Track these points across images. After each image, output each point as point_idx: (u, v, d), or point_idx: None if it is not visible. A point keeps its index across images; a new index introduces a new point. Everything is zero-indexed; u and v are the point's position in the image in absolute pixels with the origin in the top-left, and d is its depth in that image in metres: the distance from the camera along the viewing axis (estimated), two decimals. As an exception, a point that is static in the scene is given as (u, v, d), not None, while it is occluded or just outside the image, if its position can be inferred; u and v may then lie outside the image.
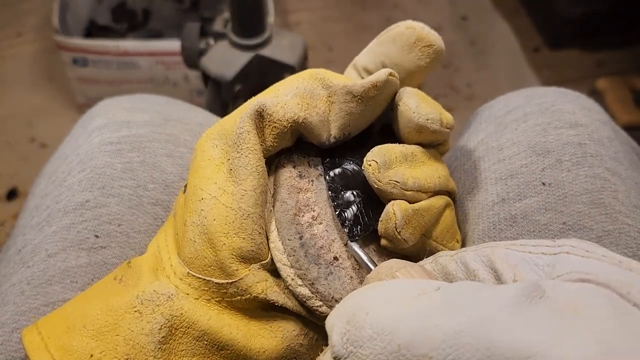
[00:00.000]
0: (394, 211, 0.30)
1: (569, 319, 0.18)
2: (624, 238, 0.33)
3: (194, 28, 0.77)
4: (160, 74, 1.16)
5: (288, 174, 0.32)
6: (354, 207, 0.32)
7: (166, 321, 0.28)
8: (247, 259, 0.29)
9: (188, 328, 0.28)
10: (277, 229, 0.30)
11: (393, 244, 0.31)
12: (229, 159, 0.29)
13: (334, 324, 0.22)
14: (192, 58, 0.77)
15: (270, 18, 1.08)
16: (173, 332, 0.28)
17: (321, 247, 0.31)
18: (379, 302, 0.21)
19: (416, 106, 0.32)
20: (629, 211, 0.34)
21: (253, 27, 0.72)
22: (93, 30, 1.27)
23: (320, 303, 0.30)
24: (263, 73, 0.74)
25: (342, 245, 0.31)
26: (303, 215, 0.31)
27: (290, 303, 0.30)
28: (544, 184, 0.35)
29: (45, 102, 1.24)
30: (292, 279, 0.30)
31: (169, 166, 0.39)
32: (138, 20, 1.29)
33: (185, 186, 0.31)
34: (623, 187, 0.35)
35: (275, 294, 0.30)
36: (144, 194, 0.37)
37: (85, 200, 0.36)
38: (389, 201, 0.31)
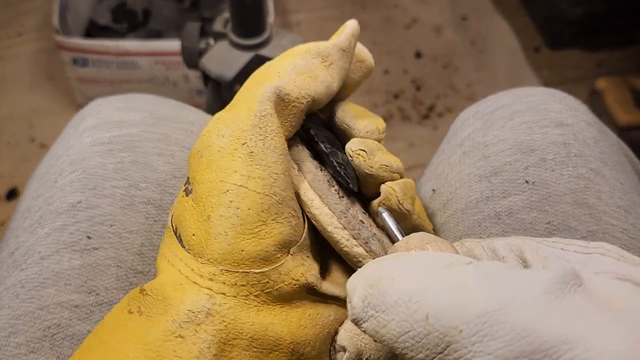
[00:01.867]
0: (392, 187, 0.32)
1: (608, 312, 0.18)
2: (609, 238, 0.33)
3: (194, 28, 0.77)
4: (160, 74, 1.16)
5: (302, 151, 0.32)
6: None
7: (213, 337, 0.26)
8: (286, 243, 0.29)
9: (235, 339, 0.27)
10: (319, 197, 0.30)
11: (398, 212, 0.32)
12: (244, 143, 0.28)
13: (355, 287, 0.22)
14: (192, 58, 0.77)
15: (270, 18, 1.08)
16: (222, 347, 0.26)
17: (355, 213, 0.32)
18: (407, 270, 0.21)
19: (354, 123, 0.33)
20: (613, 211, 0.34)
21: (253, 27, 0.72)
22: (93, 30, 1.27)
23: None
24: (263, 73, 0.74)
25: (363, 213, 0.33)
26: (330, 185, 0.32)
27: (326, 285, 0.30)
28: (527, 182, 0.36)
29: (45, 102, 1.24)
30: (347, 239, 0.30)
31: (161, 165, 0.39)
32: (138, 20, 1.29)
33: (186, 189, 0.30)
34: (607, 188, 0.35)
35: (313, 277, 0.30)
36: (136, 193, 0.37)
37: (77, 201, 0.36)
38: (377, 186, 0.32)
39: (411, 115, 1.26)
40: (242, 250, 0.27)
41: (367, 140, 0.32)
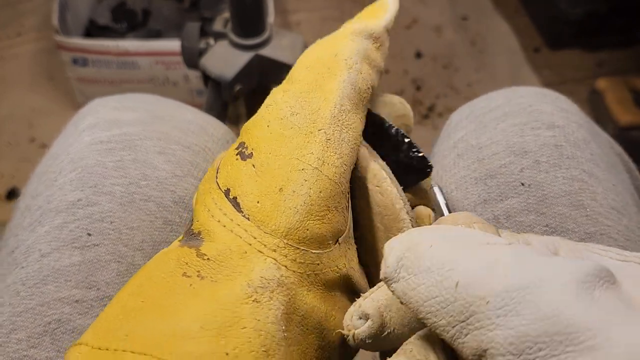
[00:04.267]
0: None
1: (638, 312, 0.18)
2: (606, 239, 0.33)
3: (194, 28, 0.77)
4: (160, 74, 1.16)
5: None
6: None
7: (283, 307, 0.26)
8: (338, 232, 0.29)
9: (293, 313, 0.27)
10: (390, 178, 0.32)
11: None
12: (321, 130, 0.29)
13: (392, 248, 0.22)
14: (192, 58, 0.77)
15: (270, 18, 1.08)
16: (287, 318, 0.26)
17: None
18: (446, 240, 0.21)
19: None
20: (608, 212, 0.35)
21: (253, 27, 0.72)
22: (93, 30, 1.27)
23: None
24: (263, 73, 0.74)
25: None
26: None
27: (362, 281, 0.31)
28: (523, 184, 0.36)
29: (45, 102, 1.24)
30: (410, 221, 0.32)
31: (161, 163, 0.39)
32: (138, 20, 1.29)
33: (241, 153, 0.29)
34: (600, 189, 0.35)
35: (352, 270, 0.30)
36: (136, 190, 0.37)
37: (77, 199, 0.36)
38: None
39: (411, 115, 1.26)
40: (307, 230, 0.28)
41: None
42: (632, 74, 1.25)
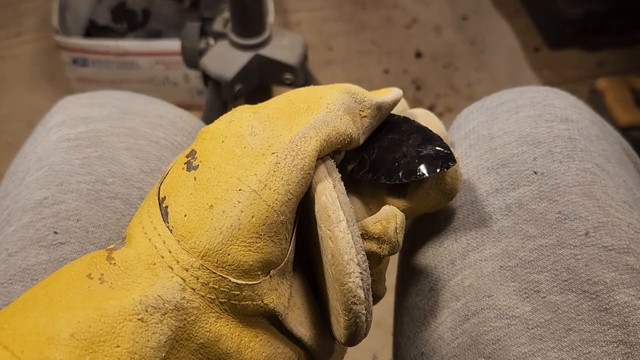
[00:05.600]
0: (395, 212, 0.30)
1: None
2: (617, 231, 0.33)
3: (194, 28, 0.77)
4: (160, 74, 1.16)
5: (337, 175, 0.30)
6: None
7: (172, 333, 0.25)
8: (271, 263, 0.27)
9: (187, 340, 0.25)
10: (347, 221, 0.28)
11: (381, 247, 0.30)
12: (274, 153, 0.27)
13: None
14: (192, 58, 0.77)
15: (270, 18, 1.08)
16: (174, 345, 0.25)
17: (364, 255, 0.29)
18: None
19: None
20: (619, 206, 0.34)
21: (253, 27, 0.72)
22: (93, 30, 1.27)
23: (365, 311, 0.28)
24: (263, 73, 0.74)
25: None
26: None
27: (290, 319, 0.29)
28: (535, 172, 0.35)
29: (45, 102, 1.24)
30: (357, 276, 0.27)
31: (128, 159, 0.38)
32: (138, 20, 1.29)
33: (189, 163, 0.28)
34: (612, 183, 0.35)
35: (282, 306, 0.28)
36: (103, 188, 0.37)
37: (44, 197, 0.36)
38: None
39: (411, 115, 1.27)
40: (228, 254, 0.26)
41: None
42: (632, 73, 1.25)
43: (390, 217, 0.30)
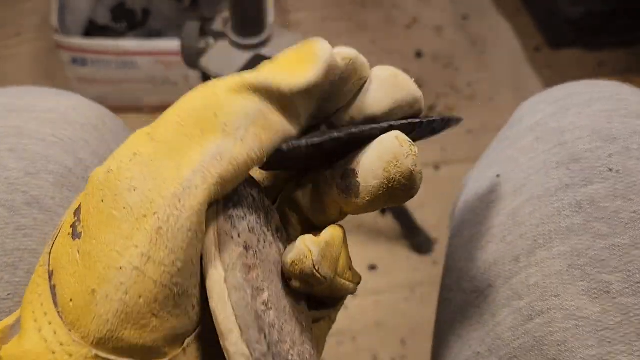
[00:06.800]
0: (309, 247, 0.26)
1: None
2: None
3: (194, 27, 0.77)
4: (160, 73, 1.16)
5: (234, 246, 0.25)
6: None
7: None
8: (179, 336, 0.24)
9: None
10: (240, 329, 0.24)
11: (307, 285, 0.27)
12: (155, 213, 0.23)
13: None
14: (192, 58, 0.77)
15: (270, 17, 1.08)
16: None
17: (278, 341, 0.26)
18: None
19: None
20: None
21: (253, 27, 0.71)
22: (92, 29, 1.27)
23: None
24: (263, 73, 0.74)
25: (294, 332, 0.27)
26: (256, 302, 0.25)
27: None
28: (610, 170, 0.34)
29: (44, 102, 1.24)
30: None
31: (11, 162, 0.35)
32: (137, 19, 1.29)
33: (74, 229, 0.25)
34: None
35: None
36: None
37: None
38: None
39: (411, 115, 1.26)
40: (122, 340, 0.23)
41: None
42: (632, 73, 1.25)
43: (302, 256, 0.26)
